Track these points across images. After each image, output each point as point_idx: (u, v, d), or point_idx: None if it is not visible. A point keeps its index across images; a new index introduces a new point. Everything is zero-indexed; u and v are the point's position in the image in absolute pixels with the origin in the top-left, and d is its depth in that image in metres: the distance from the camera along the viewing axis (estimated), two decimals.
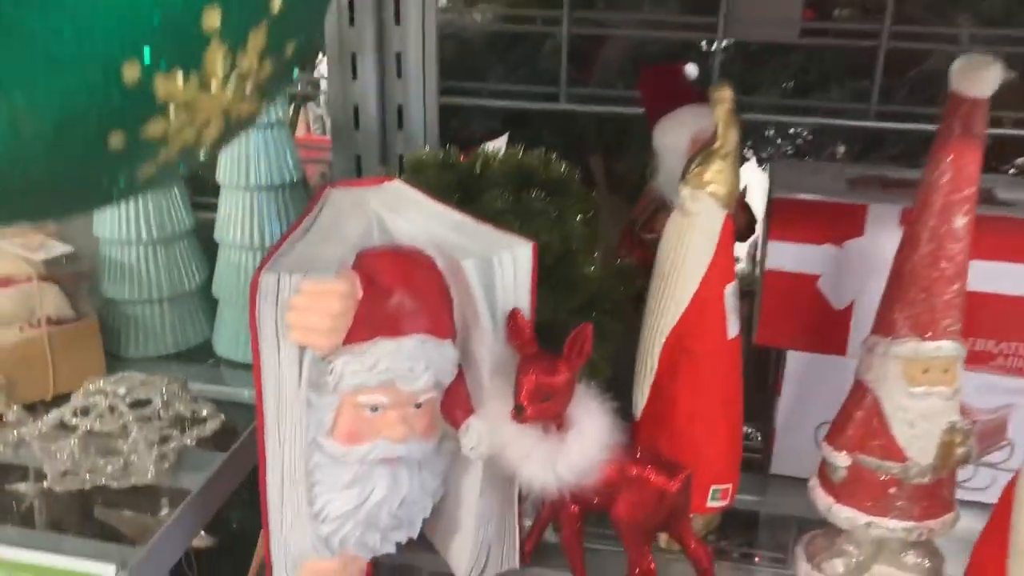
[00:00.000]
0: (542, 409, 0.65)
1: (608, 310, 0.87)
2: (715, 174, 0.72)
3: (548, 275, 0.84)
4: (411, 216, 0.73)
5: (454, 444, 0.72)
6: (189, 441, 0.81)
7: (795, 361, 0.88)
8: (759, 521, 0.90)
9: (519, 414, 0.65)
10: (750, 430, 0.99)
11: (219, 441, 0.87)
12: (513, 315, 0.68)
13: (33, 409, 0.88)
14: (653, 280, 0.77)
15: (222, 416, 0.83)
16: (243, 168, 0.95)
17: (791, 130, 1.24)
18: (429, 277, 0.68)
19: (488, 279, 0.67)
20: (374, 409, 0.66)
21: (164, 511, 0.77)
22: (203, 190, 1.10)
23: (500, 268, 0.67)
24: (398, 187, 0.80)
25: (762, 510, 0.90)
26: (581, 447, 0.67)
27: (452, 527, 0.77)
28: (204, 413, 0.83)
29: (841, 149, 1.21)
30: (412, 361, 0.65)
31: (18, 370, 0.90)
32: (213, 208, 1.02)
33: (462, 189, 0.86)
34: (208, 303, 1.06)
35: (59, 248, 0.94)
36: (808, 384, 0.89)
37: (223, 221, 0.99)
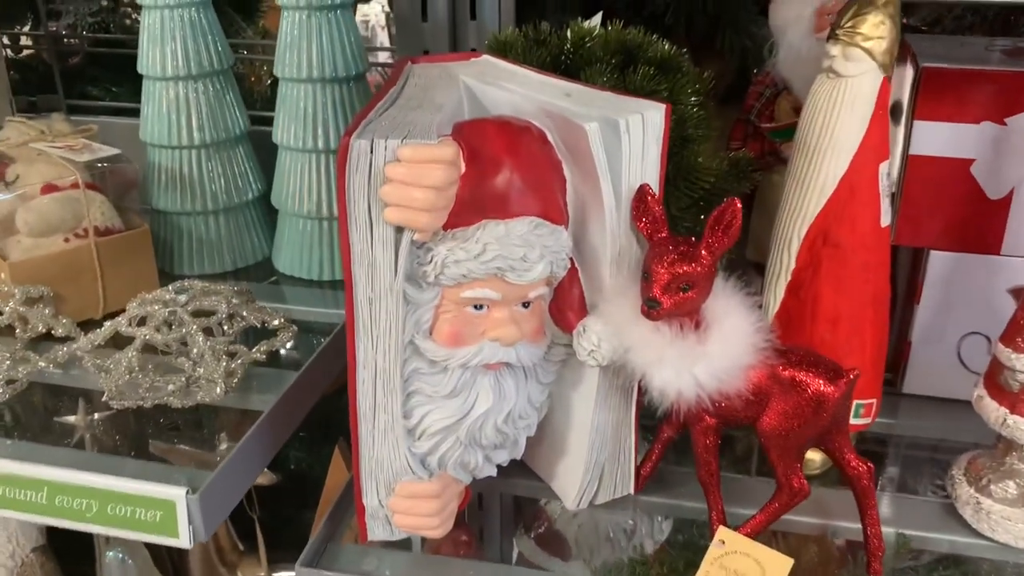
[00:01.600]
0: (679, 302, 0.55)
1: None
2: (873, 27, 0.61)
3: None
4: (509, 86, 0.62)
5: (564, 350, 0.62)
6: (259, 355, 0.72)
7: (939, 263, 0.77)
8: (889, 444, 0.79)
9: (652, 308, 0.55)
10: None
11: (289, 361, 0.78)
12: (642, 192, 0.57)
13: (84, 328, 0.79)
14: (792, 159, 0.66)
15: (294, 327, 0.74)
16: (303, 57, 0.85)
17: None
18: (541, 151, 0.58)
19: (613, 148, 0.56)
20: (479, 307, 0.57)
21: (230, 434, 0.68)
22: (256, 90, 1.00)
23: (628, 135, 0.56)
24: (488, 60, 0.70)
25: (895, 432, 0.80)
26: (723, 348, 0.57)
27: (559, 448, 0.67)
28: (276, 323, 0.73)
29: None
30: (524, 248, 0.55)
31: (65, 283, 0.81)
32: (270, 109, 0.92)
33: (556, 69, 0.76)
34: (267, 215, 0.96)
35: (105, 150, 0.85)
36: (953, 290, 0.77)
37: (282, 120, 0.89)
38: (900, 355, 0.81)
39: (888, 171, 0.65)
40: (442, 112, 0.57)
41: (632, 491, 0.69)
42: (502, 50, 0.78)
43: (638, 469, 0.68)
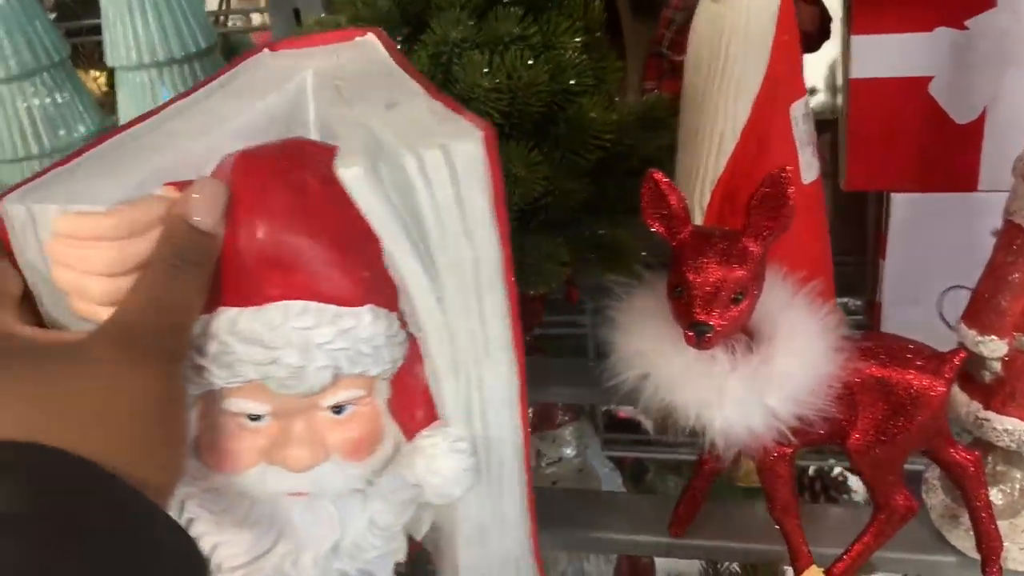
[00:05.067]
0: (734, 319, 0.42)
1: (637, 169, 0.62)
2: None
3: (538, 129, 0.60)
4: (348, 88, 0.42)
5: None
6: None
7: (903, 207, 0.63)
8: None
9: (702, 336, 0.41)
10: (848, 302, 0.75)
11: None
12: (651, 179, 0.44)
13: None
14: (683, 111, 0.52)
15: None
16: (130, 38, 0.72)
17: None
18: (325, 202, 0.37)
19: (407, 197, 0.37)
20: (255, 418, 0.39)
21: None
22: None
23: (423, 178, 0.37)
24: (368, 43, 0.47)
25: None
26: (795, 362, 0.43)
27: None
28: None
29: None
30: (257, 344, 0.37)
31: None
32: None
33: (408, 20, 0.62)
34: None
35: None
36: (923, 237, 0.63)
37: (124, 116, 0.77)
38: (870, 321, 0.68)
39: (804, 111, 0.51)
40: (225, 138, 0.39)
41: None
42: (337, 6, 0.64)
43: (676, 509, 0.56)
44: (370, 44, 0.47)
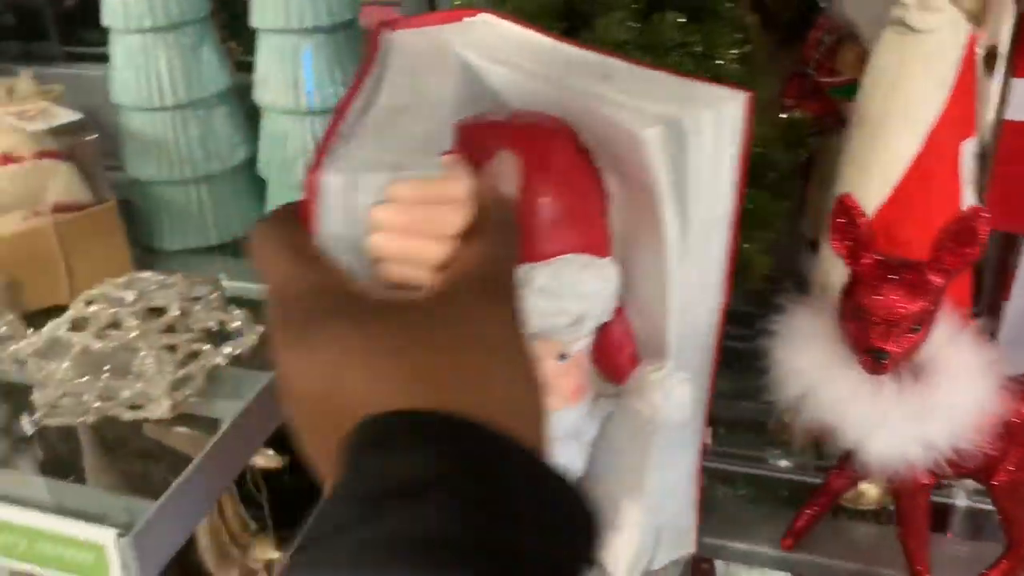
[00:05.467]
0: (909, 348, 0.43)
1: (770, 183, 0.63)
2: None
3: None
4: (522, 62, 0.47)
5: (609, 403, 0.50)
6: (220, 359, 0.63)
7: None
8: None
9: (879, 361, 0.43)
10: None
11: (263, 359, 0.68)
12: (842, 204, 0.45)
13: (52, 316, 0.71)
14: (852, 137, 0.52)
15: (259, 328, 0.64)
16: (281, 4, 0.73)
17: None
18: (576, 161, 0.44)
19: (675, 158, 0.41)
20: None
21: (188, 451, 0.59)
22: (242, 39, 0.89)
23: (697, 138, 0.41)
24: (488, 21, 0.51)
25: None
26: (957, 396, 0.45)
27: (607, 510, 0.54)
28: (235, 325, 0.64)
29: None
30: (563, 298, 0.42)
31: (24, 267, 0.73)
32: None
33: (567, 17, 0.63)
34: (255, 184, 0.86)
35: (65, 115, 0.75)
36: None
37: (262, 78, 0.78)
38: None
39: (974, 150, 0.51)
40: (437, 114, 0.42)
41: (692, 549, 0.57)
42: None
43: (792, 523, 0.57)
44: (491, 22, 0.51)
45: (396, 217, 0.34)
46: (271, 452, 0.98)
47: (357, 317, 0.28)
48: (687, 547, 0.56)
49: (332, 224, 0.35)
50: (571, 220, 0.42)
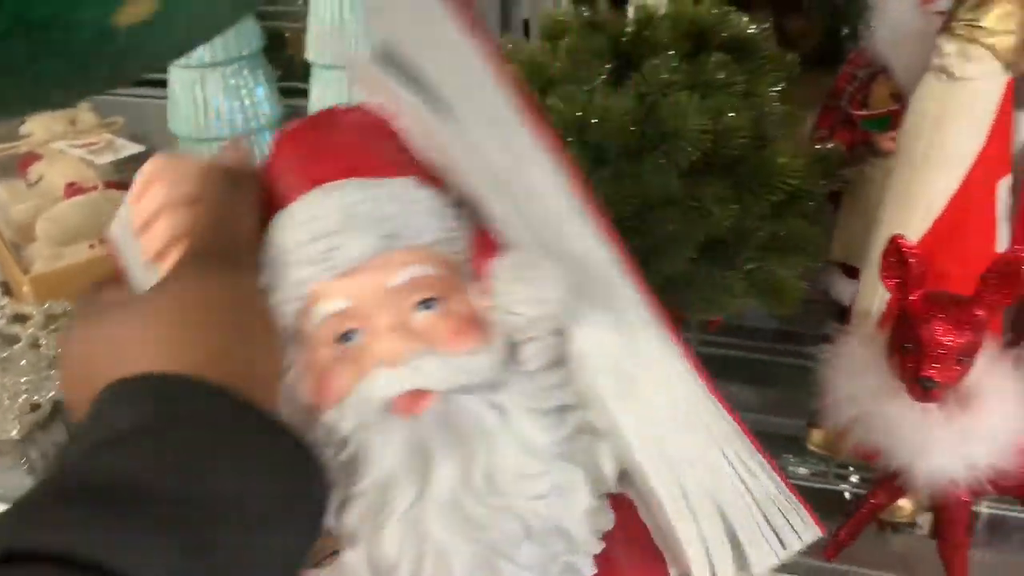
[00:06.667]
0: (956, 376, 0.47)
1: (806, 212, 0.67)
2: (999, 20, 0.50)
3: (733, 168, 0.64)
4: None
5: (548, 343, 0.38)
6: None
7: None
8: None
9: (929, 390, 0.46)
10: None
11: None
12: (894, 243, 0.48)
13: None
14: (894, 174, 0.56)
15: None
16: (336, 41, 0.77)
17: None
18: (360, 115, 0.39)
19: None
20: (346, 338, 0.36)
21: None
22: (293, 73, 0.93)
23: None
24: None
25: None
26: (999, 420, 0.48)
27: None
28: None
29: None
30: (330, 221, 0.36)
31: None
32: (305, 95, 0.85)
33: (617, 56, 0.66)
34: None
35: (129, 148, 0.79)
36: None
37: (315, 109, 0.82)
38: None
39: (1009, 186, 0.54)
40: None
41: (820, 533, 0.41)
42: (554, 34, 0.69)
43: (836, 534, 0.59)
44: None
45: (137, 217, 0.37)
46: None
47: (127, 305, 0.33)
48: (812, 534, 0.39)
49: (132, 264, 0.39)
50: (337, 151, 0.38)
